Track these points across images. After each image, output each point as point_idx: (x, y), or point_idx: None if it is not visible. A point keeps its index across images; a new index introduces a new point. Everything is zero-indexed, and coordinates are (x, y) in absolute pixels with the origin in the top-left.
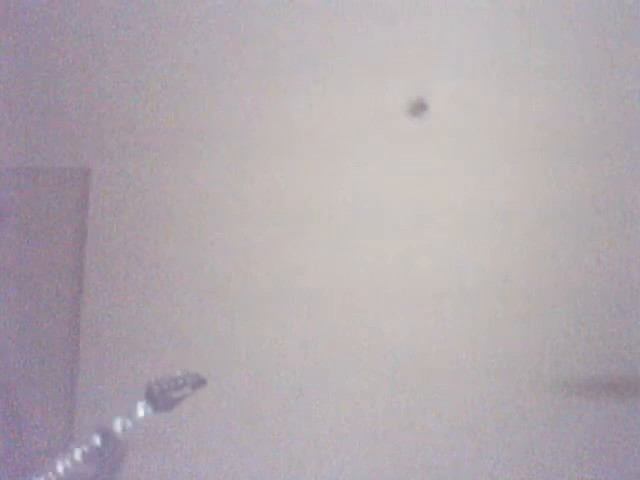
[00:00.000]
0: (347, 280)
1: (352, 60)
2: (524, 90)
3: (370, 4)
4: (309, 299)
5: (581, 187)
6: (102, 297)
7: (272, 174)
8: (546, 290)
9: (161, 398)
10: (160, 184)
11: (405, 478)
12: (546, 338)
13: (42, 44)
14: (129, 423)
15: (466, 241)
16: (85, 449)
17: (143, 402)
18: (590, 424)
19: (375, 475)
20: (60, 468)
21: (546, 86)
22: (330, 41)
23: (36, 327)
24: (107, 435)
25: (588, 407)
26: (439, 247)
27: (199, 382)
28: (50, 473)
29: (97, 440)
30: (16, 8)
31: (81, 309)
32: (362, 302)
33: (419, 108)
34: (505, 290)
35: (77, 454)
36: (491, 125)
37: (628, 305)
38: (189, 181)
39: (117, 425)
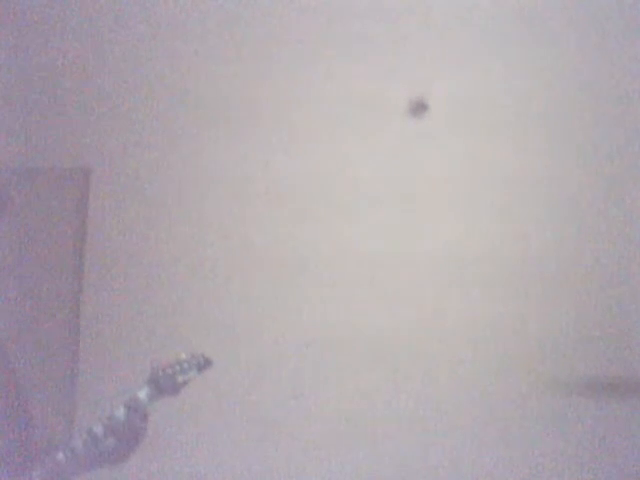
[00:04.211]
0: (347, 280)
1: (352, 60)
2: (524, 90)
3: (370, 4)
4: (309, 298)
5: (581, 187)
6: (102, 297)
7: (272, 174)
8: (546, 290)
9: (166, 382)
10: (160, 184)
11: (405, 478)
12: (546, 338)
13: (42, 44)
14: (155, 393)
15: (466, 241)
16: (106, 423)
17: (147, 387)
18: (590, 424)
19: (375, 475)
20: (61, 457)
21: (546, 86)
22: (330, 41)
23: (36, 327)
24: (131, 406)
25: (588, 407)
26: (439, 247)
27: (205, 363)
28: (50, 463)
29: (120, 413)
30: (16, 8)
31: (81, 309)
32: (362, 302)
33: (419, 108)
34: (505, 290)
35: (98, 428)
36: (491, 125)
37: (628, 305)
38: (189, 181)
39: (143, 394)
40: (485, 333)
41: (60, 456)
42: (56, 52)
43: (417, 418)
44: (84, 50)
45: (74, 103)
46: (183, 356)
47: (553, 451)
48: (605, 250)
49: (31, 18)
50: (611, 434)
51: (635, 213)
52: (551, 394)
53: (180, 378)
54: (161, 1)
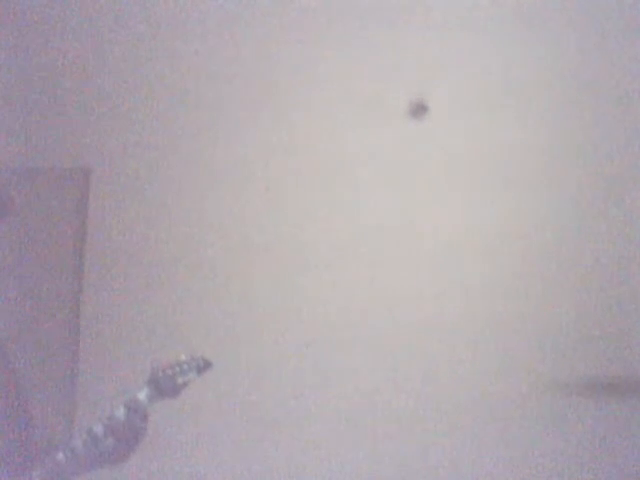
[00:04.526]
0: (347, 280)
1: (352, 61)
2: (524, 90)
3: (370, 4)
4: (309, 298)
5: (581, 187)
6: (102, 297)
7: (272, 174)
8: (546, 290)
9: (166, 384)
10: (160, 184)
11: (405, 478)
12: (546, 338)
13: (42, 44)
14: (155, 394)
15: (466, 241)
16: (106, 423)
17: (147, 388)
18: (590, 424)
19: (375, 475)
20: (61, 457)
21: (546, 86)
22: (330, 41)
23: (36, 327)
24: (131, 407)
25: (588, 407)
26: (439, 247)
27: (205, 365)
28: (50, 463)
29: (120, 413)
30: (16, 8)
31: (81, 309)
32: (362, 302)
33: (419, 109)
34: (505, 290)
35: (98, 428)
36: (491, 126)
37: (628, 305)
38: (189, 181)
39: (143, 395)
40: (485, 333)
41: (60, 456)
42: (56, 52)
43: (417, 418)
44: (84, 50)
45: (74, 103)
46: (183, 357)
47: (553, 451)
48: (605, 250)
49: (31, 18)
50: (611, 434)
51: (635, 213)
52: (551, 394)
53: (180, 379)
54: (161, 1)
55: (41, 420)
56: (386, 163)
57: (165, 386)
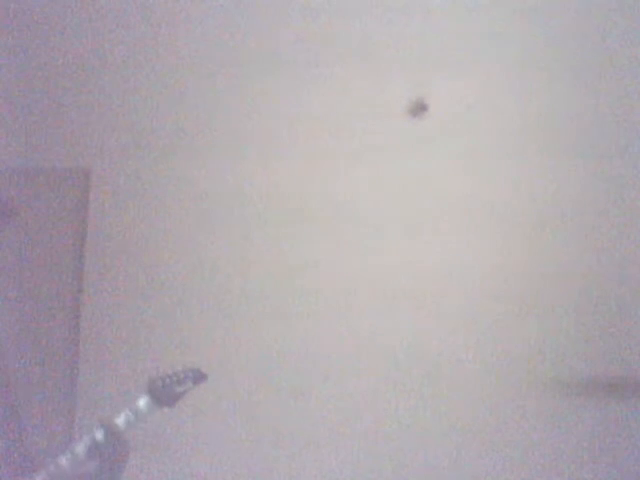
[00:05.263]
0: (347, 280)
1: (352, 60)
2: (524, 90)
3: (370, 4)
4: (309, 299)
5: (581, 187)
6: (102, 297)
7: (271, 174)
8: (546, 290)
9: (164, 393)
10: (160, 184)
11: (405, 478)
12: (546, 338)
13: (42, 44)
14: (132, 418)
15: (466, 241)
16: (88, 444)
17: (146, 397)
18: (590, 424)
19: (375, 475)
20: (63, 461)
21: (546, 86)
22: (330, 41)
23: (36, 327)
24: (110, 430)
25: (588, 407)
26: (439, 247)
27: (200, 377)
28: (52, 466)
29: (99, 435)
30: (16, 8)
31: (81, 309)
32: (362, 302)
33: (419, 109)
34: (505, 290)
35: (80, 449)
36: (491, 125)
37: (628, 305)
38: (189, 181)
39: (121, 420)
40: (485, 333)
41: (58, 462)
42: (56, 52)
43: (417, 418)
44: (84, 50)
45: (74, 103)
46: (179, 368)
47: (553, 451)
48: (605, 250)
49: (31, 18)
50: (611, 434)
51: (635, 213)
52: (551, 394)
53: (178, 388)
54: (161, 1)
55: (41, 421)
56: (385, 163)
57: (164, 395)
